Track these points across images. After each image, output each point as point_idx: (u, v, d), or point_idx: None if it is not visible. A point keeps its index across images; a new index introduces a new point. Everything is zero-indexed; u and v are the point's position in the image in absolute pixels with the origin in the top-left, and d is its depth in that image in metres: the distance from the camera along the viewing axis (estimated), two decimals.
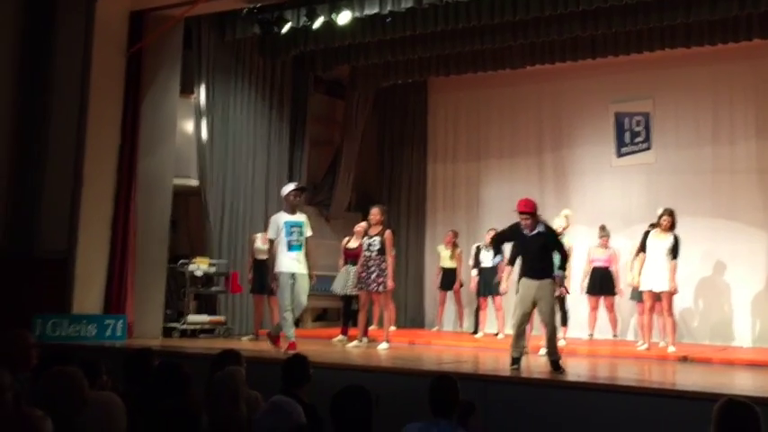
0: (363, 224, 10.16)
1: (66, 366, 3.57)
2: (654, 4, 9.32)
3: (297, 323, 12.54)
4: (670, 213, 9.08)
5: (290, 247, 8.48)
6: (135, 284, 9.78)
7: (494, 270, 10.62)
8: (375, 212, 9.33)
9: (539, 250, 7.30)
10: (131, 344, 8.69)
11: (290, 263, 8.44)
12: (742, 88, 11.48)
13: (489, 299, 11.23)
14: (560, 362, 7.04)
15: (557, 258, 7.53)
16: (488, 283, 10.92)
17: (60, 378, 3.42)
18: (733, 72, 11.50)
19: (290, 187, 8.85)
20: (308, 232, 8.68)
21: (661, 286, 8.94)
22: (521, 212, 7.25)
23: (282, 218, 8.55)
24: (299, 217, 8.66)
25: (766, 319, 11.00)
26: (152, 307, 9.93)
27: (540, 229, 7.30)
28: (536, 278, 7.26)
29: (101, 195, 9.65)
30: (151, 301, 9.93)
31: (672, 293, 9.00)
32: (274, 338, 8.50)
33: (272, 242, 8.52)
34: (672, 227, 9.03)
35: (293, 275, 8.43)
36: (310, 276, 8.62)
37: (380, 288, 9.13)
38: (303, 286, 8.51)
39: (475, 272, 11.44)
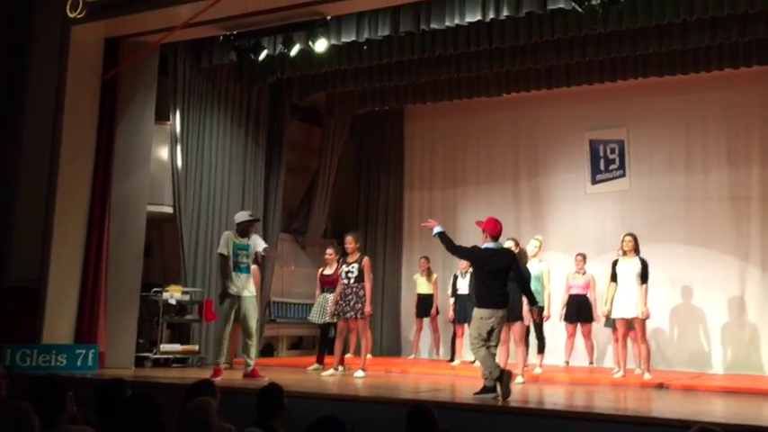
0: (331, 251, 10.20)
1: (17, 402, 3.45)
2: (627, 33, 9.44)
3: (271, 352, 12.52)
4: (631, 235, 9.19)
5: (238, 268, 8.60)
6: (107, 313, 9.64)
7: (470, 297, 10.60)
8: (349, 240, 9.34)
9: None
10: (103, 374, 8.55)
11: (235, 287, 8.54)
12: (714, 117, 11.64)
13: (466, 326, 11.20)
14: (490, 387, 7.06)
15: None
16: (465, 311, 10.90)
17: (9, 415, 3.30)
18: (705, 101, 11.66)
19: (244, 216, 8.91)
20: (259, 247, 8.83)
21: (632, 313, 8.97)
22: None
23: (232, 239, 8.68)
24: (246, 240, 8.77)
25: (739, 345, 11.08)
26: (124, 336, 9.79)
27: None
28: None
29: (73, 222, 9.54)
30: (123, 330, 9.78)
31: (644, 320, 9.03)
32: (250, 374, 8.44)
33: (224, 257, 8.56)
34: (636, 249, 9.10)
35: (239, 299, 8.53)
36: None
37: (358, 315, 9.09)
38: (250, 309, 8.61)
39: (452, 300, 11.43)
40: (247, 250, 8.71)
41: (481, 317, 7.24)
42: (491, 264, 7.34)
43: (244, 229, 8.77)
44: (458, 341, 11.37)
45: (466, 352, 11.44)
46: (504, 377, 6.89)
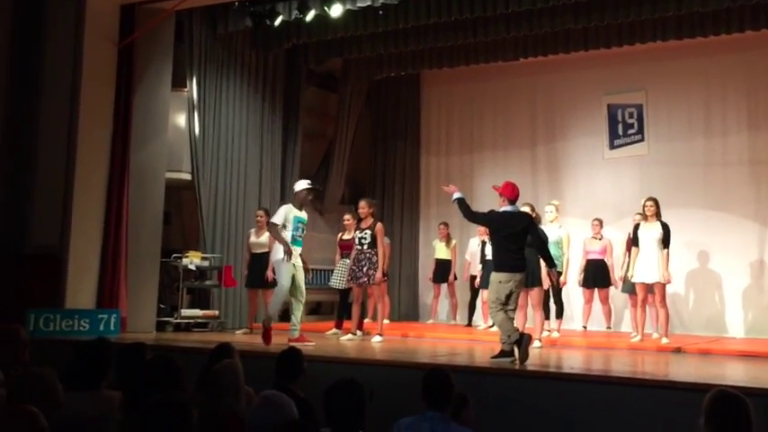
0: (349, 216, 10.20)
1: (41, 368, 3.48)
2: None
3: (290, 317, 12.57)
4: (653, 199, 9.13)
5: (294, 242, 8.61)
6: (128, 279, 9.76)
7: None
8: (362, 205, 9.36)
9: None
10: (125, 338, 8.67)
11: (292, 255, 8.56)
12: (734, 80, 11.51)
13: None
14: (507, 351, 7.07)
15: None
16: None
17: (33, 380, 3.34)
18: (725, 64, 11.52)
19: (303, 185, 8.91)
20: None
21: (653, 278, 8.96)
22: None
23: (293, 212, 8.67)
24: (305, 214, 8.85)
25: (758, 309, 11.06)
26: (145, 301, 9.91)
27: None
28: None
29: (93, 190, 9.62)
30: (144, 296, 9.91)
31: (664, 284, 9.02)
32: (297, 339, 8.46)
33: (275, 225, 8.59)
34: (657, 214, 9.06)
35: (295, 266, 8.60)
36: (306, 270, 8.87)
37: (370, 281, 9.13)
38: (303, 277, 8.70)
39: (479, 266, 11.36)
40: (305, 224, 8.80)
41: (499, 281, 7.26)
42: (508, 227, 7.34)
43: (303, 199, 8.82)
44: (485, 307, 11.28)
45: (479, 316, 11.51)
46: (523, 341, 6.92)
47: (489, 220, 7.71)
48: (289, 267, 8.50)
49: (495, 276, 7.34)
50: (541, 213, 9.80)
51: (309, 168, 13.29)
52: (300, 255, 8.74)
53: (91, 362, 3.87)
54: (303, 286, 8.68)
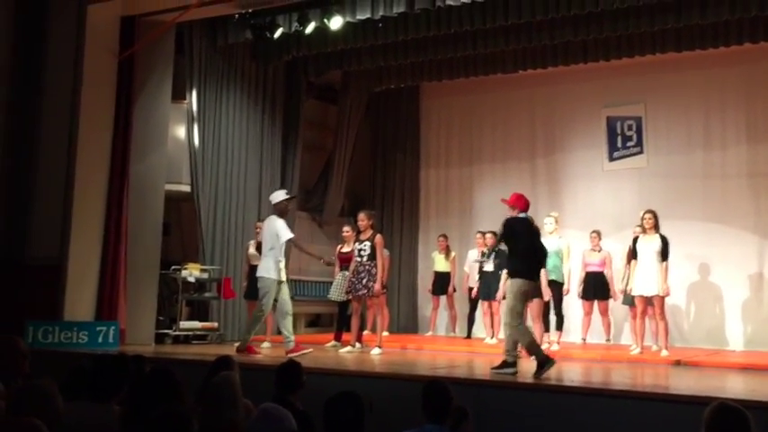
0: (348, 228, 10.19)
1: (41, 380, 3.47)
2: (645, 8, 9.35)
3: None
4: (652, 212, 9.12)
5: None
6: (127, 291, 9.75)
7: (495, 275, 10.45)
8: (362, 217, 9.35)
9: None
10: (124, 351, 8.64)
11: (282, 272, 8.66)
12: (733, 93, 11.53)
13: (487, 303, 11.05)
14: (510, 362, 7.01)
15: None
16: (489, 288, 10.74)
17: (33, 392, 3.33)
18: (724, 76, 11.55)
19: (282, 195, 8.91)
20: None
21: (652, 290, 8.95)
22: None
23: None
24: None
25: (758, 322, 11.04)
26: (144, 313, 9.89)
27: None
28: None
29: (93, 201, 9.63)
30: (143, 308, 9.88)
31: (663, 297, 9.01)
32: (242, 350, 8.52)
33: (293, 240, 8.74)
34: (656, 226, 9.05)
35: (279, 284, 8.68)
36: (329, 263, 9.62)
37: (369, 293, 9.11)
38: (287, 291, 8.83)
39: (477, 277, 11.32)
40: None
41: (519, 289, 7.07)
42: (525, 231, 7.30)
43: (284, 209, 8.82)
44: (485, 319, 11.23)
45: (481, 329, 11.48)
46: (548, 364, 6.77)
47: (511, 228, 7.37)
48: (276, 288, 8.57)
49: (516, 285, 7.09)
50: (540, 225, 9.77)
51: (309, 180, 13.31)
52: (284, 268, 8.86)
53: (110, 376, 3.88)
54: (288, 300, 8.70)
